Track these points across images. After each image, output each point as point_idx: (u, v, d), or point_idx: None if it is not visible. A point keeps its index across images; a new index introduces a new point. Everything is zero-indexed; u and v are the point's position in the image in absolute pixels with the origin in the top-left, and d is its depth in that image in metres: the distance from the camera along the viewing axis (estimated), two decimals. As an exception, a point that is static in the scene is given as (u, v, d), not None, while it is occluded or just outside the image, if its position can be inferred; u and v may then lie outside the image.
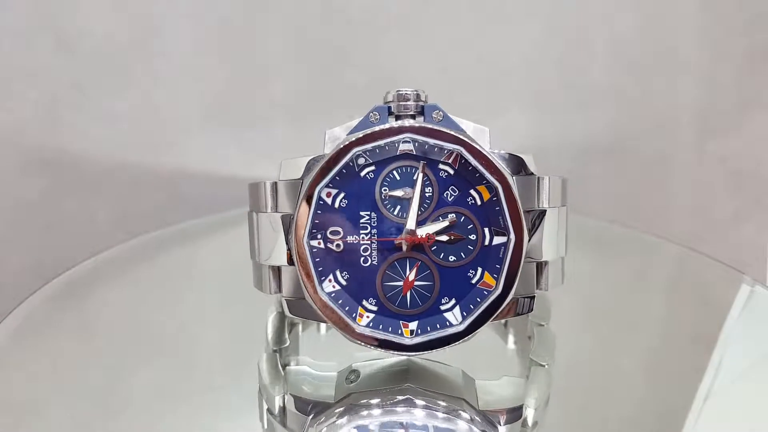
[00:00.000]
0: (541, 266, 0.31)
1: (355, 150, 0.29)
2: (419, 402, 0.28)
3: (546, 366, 0.32)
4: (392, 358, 0.31)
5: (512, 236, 0.29)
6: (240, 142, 0.58)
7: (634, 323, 0.39)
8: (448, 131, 0.30)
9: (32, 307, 0.39)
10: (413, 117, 0.30)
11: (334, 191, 0.30)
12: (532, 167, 0.30)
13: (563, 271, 0.33)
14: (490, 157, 0.29)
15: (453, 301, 0.30)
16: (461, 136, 0.30)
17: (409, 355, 0.30)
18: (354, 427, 0.27)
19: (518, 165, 0.30)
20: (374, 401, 0.29)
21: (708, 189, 0.66)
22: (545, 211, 0.30)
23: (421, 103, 0.31)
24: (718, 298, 0.43)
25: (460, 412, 0.28)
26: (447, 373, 0.31)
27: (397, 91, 0.30)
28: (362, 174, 0.30)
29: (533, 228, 0.30)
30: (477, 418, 0.28)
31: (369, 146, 0.30)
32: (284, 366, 0.32)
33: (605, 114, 0.63)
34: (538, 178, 0.30)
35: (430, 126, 0.30)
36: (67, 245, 0.56)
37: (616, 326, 0.35)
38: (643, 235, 0.52)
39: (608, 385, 0.33)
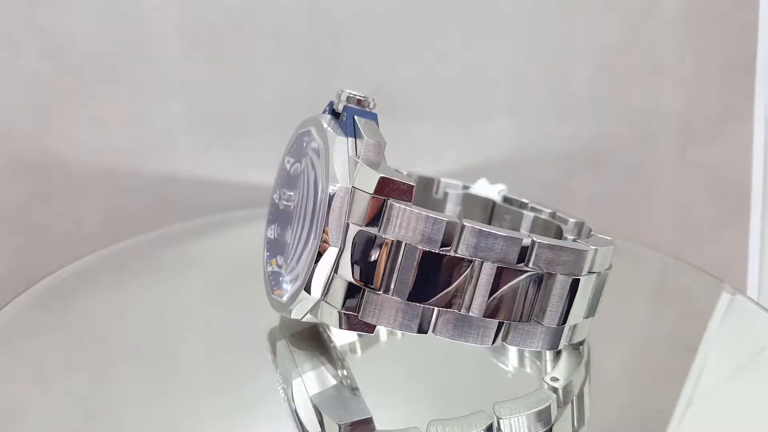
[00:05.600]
0: (363, 292, 0.29)
1: (298, 131, 0.35)
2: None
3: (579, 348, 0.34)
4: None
5: (314, 241, 0.30)
6: (227, 147, 0.58)
7: (615, 330, 0.39)
8: (325, 130, 0.32)
9: (17, 310, 0.38)
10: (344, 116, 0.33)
11: (292, 160, 0.35)
12: (397, 193, 0.28)
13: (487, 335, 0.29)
14: (330, 163, 0.30)
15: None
16: (321, 140, 0.32)
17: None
18: None
19: (384, 187, 0.28)
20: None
21: (689, 196, 0.67)
22: (394, 242, 0.28)
23: (343, 104, 0.32)
24: (699, 305, 0.43)
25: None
26: (329, 364, 0.34)
27: (341, 92, 0.32)
28: (308, 151, 0.34)
29: (360, 248, 0.28)
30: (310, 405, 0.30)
31: (303, 130, 0.34)
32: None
33: (589, 122, 0.63)
34: (384, 201, 0.28)
35: (321, 124, 0.32)
36: (54, 249, 0.56)
37: (598, 333, 0.35)
38: (625, 242, 0.53)
39: (591, 391, 0.33)
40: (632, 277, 0.48)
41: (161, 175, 0.57)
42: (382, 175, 0.28)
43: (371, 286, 0.28)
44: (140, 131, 0.56)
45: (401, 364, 0.35)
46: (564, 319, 0.29)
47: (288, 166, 0.35)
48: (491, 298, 0.28)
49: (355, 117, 0.31)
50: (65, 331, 0.38)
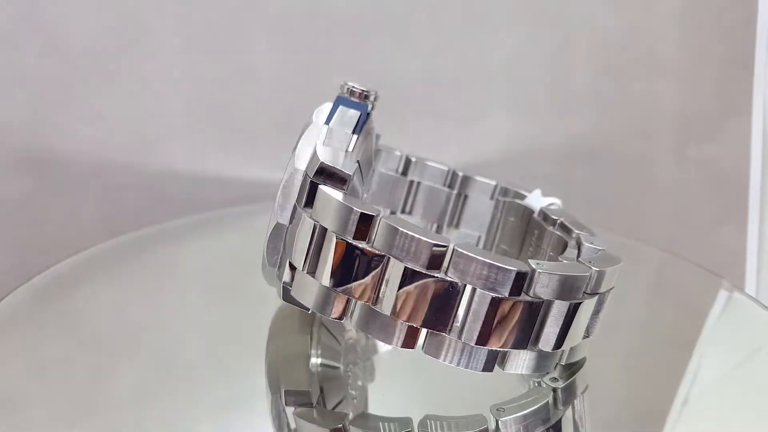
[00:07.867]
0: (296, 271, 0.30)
1: None
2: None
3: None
4: None
5: (273, 218, 0.31)
6: (226, 143, 0.58)
7: (612, 327, 0.39)
8: (311, 116, 0.32)
9: (15, 302, 0.38)
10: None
11: None
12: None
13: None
14: (296, 147, 0.31)
15: None
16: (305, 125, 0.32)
17: None
18: None
19: (321, 173, 0.29)
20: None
21: (688, 193, 0.67)
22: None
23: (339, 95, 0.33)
24: (696, 303, 0.43)
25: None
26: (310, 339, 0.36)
27: (344, 83, 0.33)
28: None
29: (295, 229, 0.30)
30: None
31: None
32: None
33: (587, 118, 0.63)
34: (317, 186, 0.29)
35: (314, 110, 0.33)
36: (53, 245, 0.56)
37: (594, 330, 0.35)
38: (623, 238, 0.53)
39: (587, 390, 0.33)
40: (630, 273, 0.48)
41: (160, 171, 0.57)
42: (322, 161, 0.28)
43: (298, 267, 0.29)
44: (140, 127, 0.56)
45: (403, 360, 0.36)
46: (485, 339, 0.28)
47: None
48: (397, 297, 0.27)
49: (340, 106, 0.32)
50: (63, 325, 0.38)
